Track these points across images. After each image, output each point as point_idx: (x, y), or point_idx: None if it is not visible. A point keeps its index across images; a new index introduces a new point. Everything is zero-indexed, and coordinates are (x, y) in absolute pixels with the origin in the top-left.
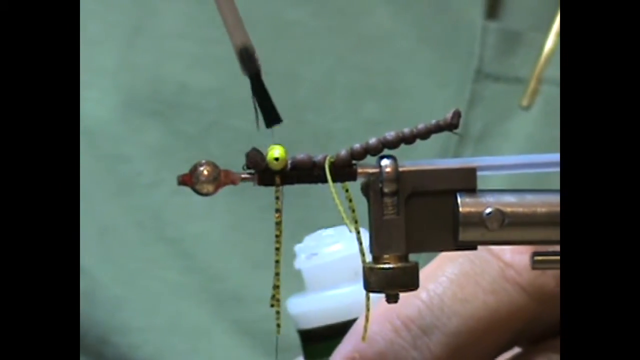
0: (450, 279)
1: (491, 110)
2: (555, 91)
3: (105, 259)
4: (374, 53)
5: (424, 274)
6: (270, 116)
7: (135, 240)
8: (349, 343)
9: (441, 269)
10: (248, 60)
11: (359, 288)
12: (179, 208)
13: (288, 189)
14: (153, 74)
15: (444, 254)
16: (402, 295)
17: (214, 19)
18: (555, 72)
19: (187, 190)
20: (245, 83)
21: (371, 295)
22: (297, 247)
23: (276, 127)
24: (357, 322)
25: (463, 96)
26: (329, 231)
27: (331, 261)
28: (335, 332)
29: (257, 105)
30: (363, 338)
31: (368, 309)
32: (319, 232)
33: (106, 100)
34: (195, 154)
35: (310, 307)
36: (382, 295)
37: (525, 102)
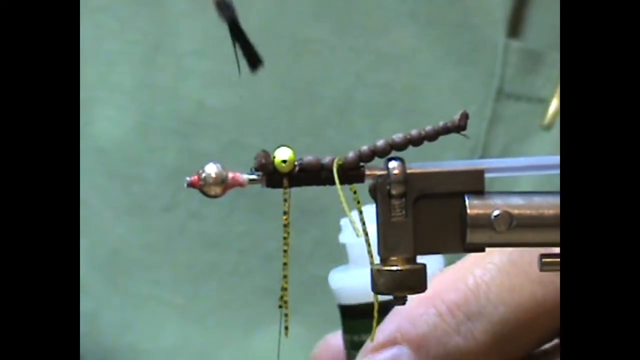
0: (498, 267)
1: (512, 130)
2: None
3: (111, 282)
4: (394, 71)
5: (471, 259)
6: (253, 60)
7: (145, 263)
8: (391, 323)
9: (489, 256)
10: (225, 8)
11: None
12: (193, 233)
13: (306, 208)
14: (171, 93)
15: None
16: (449, 278)
17: (229, 38)
18: None
19: (203, 214)
20: (262, 100)
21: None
22: (343, 222)
23: (295, 145)
24: None
25: (484, 115)
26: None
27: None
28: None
29: (239, 51)
30: (371, 339)
31: (377, 311)
32: (366, 207)
33: (123, 119)
34: None
35: (353, 283)
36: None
37: (546, 122)
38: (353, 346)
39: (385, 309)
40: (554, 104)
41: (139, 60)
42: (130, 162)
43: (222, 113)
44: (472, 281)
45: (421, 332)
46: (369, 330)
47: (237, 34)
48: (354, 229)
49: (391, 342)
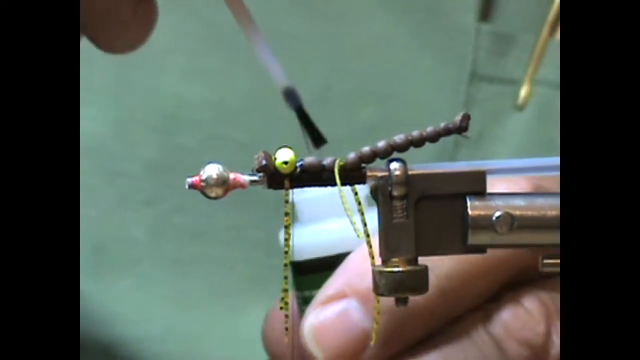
0: None
1: (486, 111)
2: (548, 92)
3: (98, 277)
4: (370, 60)
5: None
6: (317, 139)
7: (130, 257)
8: (340, 276)
9: None
10: (291, 97)
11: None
12: (177, 225)
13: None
14: (149, 89)
15: None
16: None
17: (205, 33)
18: (547, 73)
19: (186, 206)
20: (241, 93)
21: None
22: None
23: (275, 136)
24: (349, 256)
25: (458, 99)
26: None
27: (325, 195)
28: (327, 264)
29: (305, 131)
30: (372, 340)
31: (378, 312)
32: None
33: (103, 117)
34: (194, 167)
35: (303, 239)
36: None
37: (519, 103)
38: (304, 301)
39: (334, 263)
40: (526, 85)
41: (117, 59)
42: (113, 158)
43: (201, 107)
44: None
45: (369, 284)
46: (318, 285)
47: (304, 119)
48: (355, 229)
49: (340, 295)
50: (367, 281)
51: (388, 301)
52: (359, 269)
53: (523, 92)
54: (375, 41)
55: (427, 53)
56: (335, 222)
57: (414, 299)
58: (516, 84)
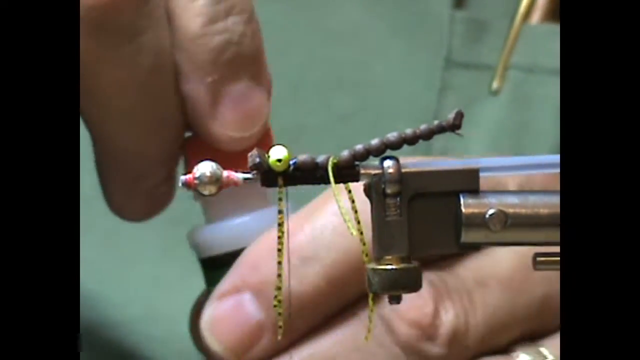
0: (334, 213)
1: (461, 97)
2: (521, 77)
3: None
4: (344, 47)
5: (310, 207)
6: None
7: (111, 243)
8: (236, 271)
9: (325, 204)
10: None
11: (258, 216)
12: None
13: None
14: None
15: (329, 191)
16: (290, 226)
17: None
18: (521, 58)
19: None
20: None
21: (261, 226)
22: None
23: None
24: (245, 250)
25: (433, 85)
26: None
27: (228, 191)
28: (234, 259)
29: None
30: (366, 338)
31: (372, 310)
32: None
33: None
34: None
35: (210, 236)
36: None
37: (494, 88)
38: None
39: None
40: (500, 71)
41: None
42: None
43: None
44: (308, 227)
45: (261, 277)
46: None
47: None
48: (349, 227)
49: (235, 289)
50: (262, 273)
51: (282, 292)
52: (253, 262)
53: (497, 77)
54: (350, 28)
55: (402, 40)
56: (241, 217)
57: (303, 290)
58: (491, 69)
